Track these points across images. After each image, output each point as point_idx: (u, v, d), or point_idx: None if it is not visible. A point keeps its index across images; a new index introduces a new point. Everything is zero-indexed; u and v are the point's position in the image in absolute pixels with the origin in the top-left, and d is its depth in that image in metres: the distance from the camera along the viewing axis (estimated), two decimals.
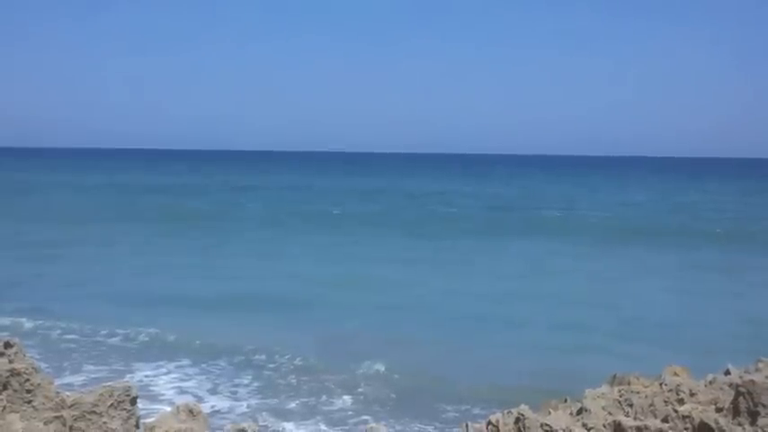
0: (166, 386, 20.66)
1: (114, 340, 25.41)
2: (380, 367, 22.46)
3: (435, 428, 17.80)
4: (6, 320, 26.87)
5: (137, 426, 7.71)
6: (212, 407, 18.82)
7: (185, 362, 22.98)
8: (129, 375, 20.85)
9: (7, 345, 7.66)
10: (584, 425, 7.94)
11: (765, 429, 6.91)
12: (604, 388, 8.98)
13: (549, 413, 8.49)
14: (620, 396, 8.46)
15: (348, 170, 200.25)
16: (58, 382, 8.16)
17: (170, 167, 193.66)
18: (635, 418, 7.79)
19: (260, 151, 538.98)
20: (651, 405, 8.19)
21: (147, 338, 25.56)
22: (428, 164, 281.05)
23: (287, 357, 23.48)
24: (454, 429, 8.56)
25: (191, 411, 8.47)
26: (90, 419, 7.36)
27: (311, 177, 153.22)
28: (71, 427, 7.26)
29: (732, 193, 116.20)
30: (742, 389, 7.19)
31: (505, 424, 7.88)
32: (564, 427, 7.68)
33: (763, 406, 7.02)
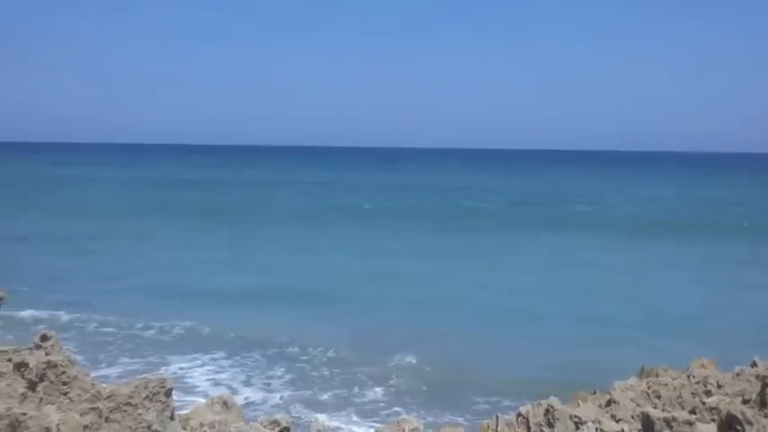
0: (201, 378, 20.95)
1: (150, 333, 25.78)
2: (412, 360, 22.59)
3: (466, 420, 17.83)
4: (44, 313, 27.37)
5: (172, 417, 7.84)
6: (246, 398, 19.06)
7: (219, 354, 23.26)
8: (164, 367, 21.22)
9: (44, 337, 7.83)
10: (612, 416, 7.99)
11: None
12: (633, 380, 9.00)
13: (579, 405, 8.54)
14: (649, 388, 8.49)
15: (378, 165, 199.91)
16: (94, 374, 8.33)
17: (200, 162, 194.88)
18: (663, 410, 7.81)
19: (290, 147, 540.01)
20: (679, 397, 8.21)
21: (181, 331, 25.93)
22: (457, 159, 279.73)
23: (319, 350, 23.68)
24: (485, 421, 8.62)
25: (225, 403, 8.65)
26: (125, 411, 7.51)
27: (342, 172, 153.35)
28: (107, 419, 7.41)
29: (758, 187, 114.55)
30: None
31: (535, 415, 7.95)
32: (593, 418, 7.72)
33: None
